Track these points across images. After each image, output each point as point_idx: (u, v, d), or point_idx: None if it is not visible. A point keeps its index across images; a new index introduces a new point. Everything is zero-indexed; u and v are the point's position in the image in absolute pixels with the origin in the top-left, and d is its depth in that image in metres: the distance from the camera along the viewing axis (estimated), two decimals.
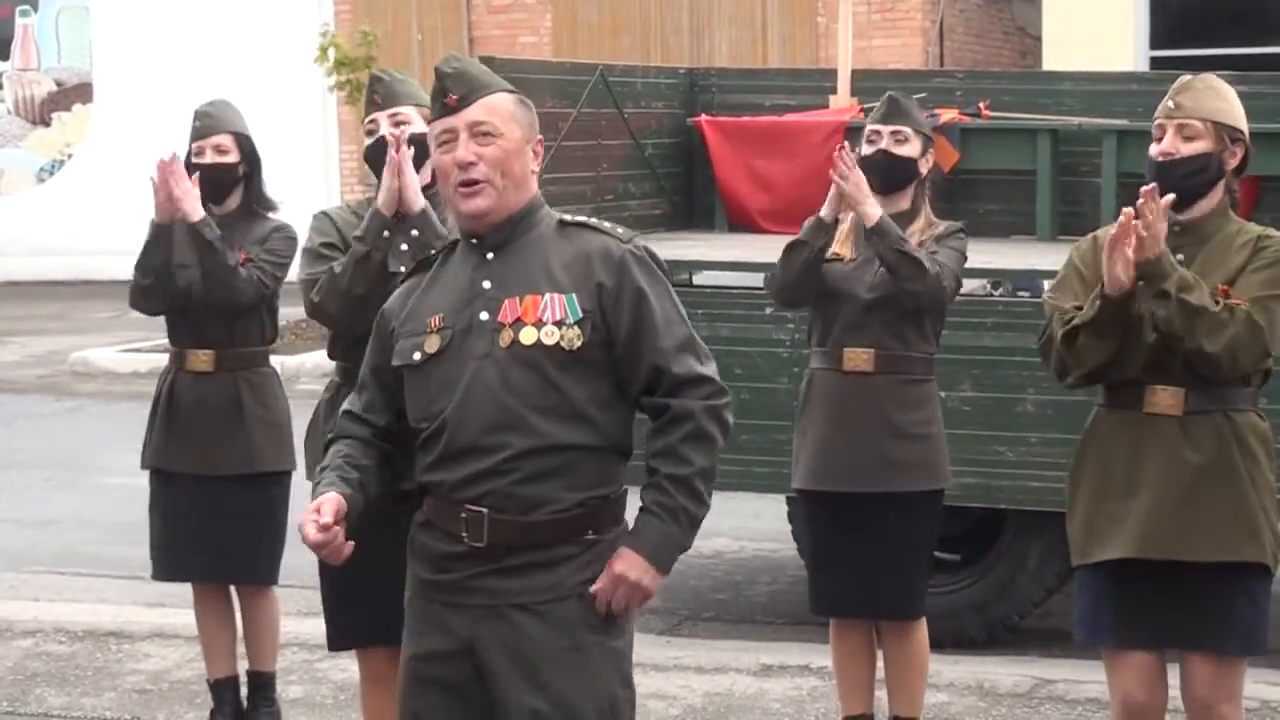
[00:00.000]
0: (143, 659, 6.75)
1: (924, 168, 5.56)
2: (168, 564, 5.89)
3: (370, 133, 4.95)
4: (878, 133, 5.53)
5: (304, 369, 14.34)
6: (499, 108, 3.66)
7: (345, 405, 3.84)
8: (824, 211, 5.43)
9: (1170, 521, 4.35)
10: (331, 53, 15.80)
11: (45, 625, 7.11)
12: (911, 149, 5.52)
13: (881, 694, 5.69)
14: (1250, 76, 8.22)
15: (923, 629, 5.59)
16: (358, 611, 4.94)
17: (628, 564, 3.58)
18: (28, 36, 23.03)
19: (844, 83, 8.50)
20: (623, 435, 3.66)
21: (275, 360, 14.55)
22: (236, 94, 23.86)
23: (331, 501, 3.62)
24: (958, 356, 6.55)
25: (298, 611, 7.57)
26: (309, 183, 20.55)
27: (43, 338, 17.12)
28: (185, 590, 8.11)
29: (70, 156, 22.83)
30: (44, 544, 9.05)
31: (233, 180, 5.85)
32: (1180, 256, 4.33)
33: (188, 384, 5.85)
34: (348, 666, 6.36)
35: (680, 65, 11.78)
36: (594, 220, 3.73)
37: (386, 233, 4.72)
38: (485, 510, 3.56)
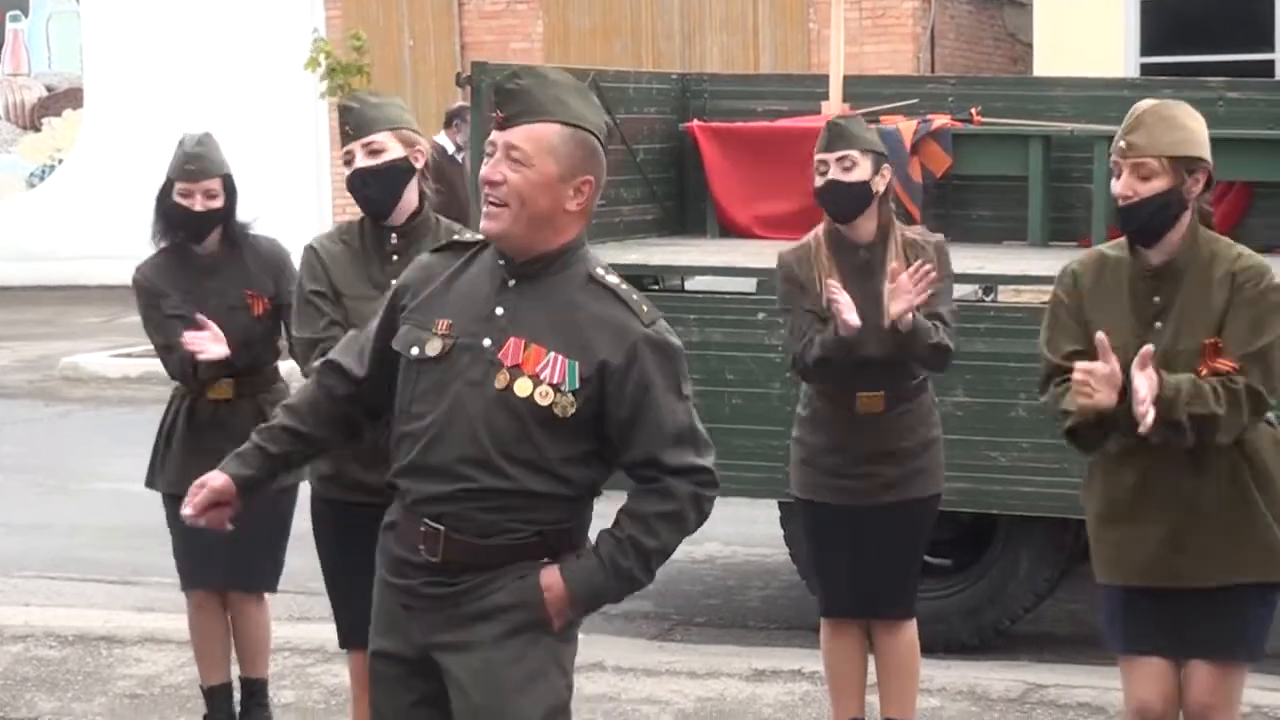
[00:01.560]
0: (134, 664, 6.75)
1: (879, 186, 5.44)
2: (193, 574, 5.89)
3: (347, 162, 4.90)
4: (825, 162, 5.44)
5: (296, 374, 14.31)
6: (541, 137, 3.55)
7: (331, 353, 3.84)
8: (842, 332, 5.27)
9: (1176, 551, 4.35)
10: (323, 59, 15.79)
11: (36, 630, 7.10)
12: (861, 172, 5.41)
13: (874, 698, 5.70)
14: (1240, 82, 8.25)
15: (913, 630, 5.60)
16: (354, 613, 4.95)
17: (551, 591, 3.57)
18: (18, 41, 23.02)
19: (836, 88, 8.51)
20: (594, 484, 3.67)
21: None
22: (227, 99, 23.93)
23: (216, 490, 3.75)
24: (951, 362, 6.54)
25: (290, 616, 7.57)
26: (300, 188, 20.59)
27: (33, 343, 17.09)
28: (176, 595, 8.13)
29: (61, 162, 22.81)
30: (35, 549, 9.04)
31: (216, 222, 5.87)
32: (1158, 299, 4.31)
33: (208, 411, 5.85)
34: (339, 671, 6.37)
35: (672, 70, 11.76)
36: (623, 288, 3.61)
37: None
38: (443, 529, 3.58)
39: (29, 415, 13.44)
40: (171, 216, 5.87)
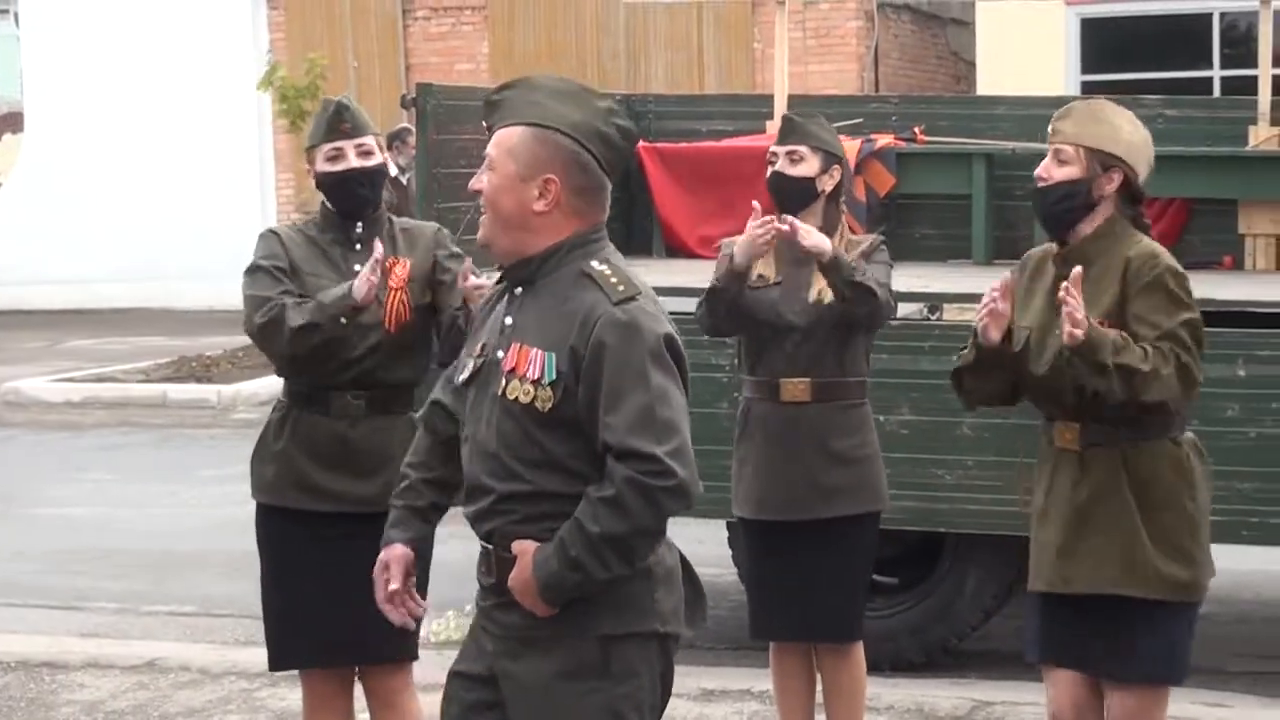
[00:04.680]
0: (78, 689, 6.69)
1: (826, 185, 5.47)
2: None
3: (333, 158, 4.91)
4: (775, 154, 5.51)
5: (240, 397, 14.28)
6: (503, 142, 3.57)
7: (434, 394, 3.86)
8: (738, 258, 5.34)
9: (1064, 556, 4.43)
10: (277, 81, 15.76)
11: None
12: (808, 168, 5.46)
13: (822, 718, 5.70)
14: (1178, 100, 8.33)
15: (859, 652, 5.60)
16: (300, 633, 4.95)
17: (520, 574, 3.53)
18: None
19: (781, 108, 8.54)
20: None
21: (211, 389, 14.46)
22: (170, 122, 23.78)
23: (399, 562, 3.75)
24: (896, 380, 6.58)
25: (235, 640, 7.54)
26: (244, 211, 20.48)
27: None
28: (121, 620, 8.09)
29: (0, 185, 22.67)
30: None
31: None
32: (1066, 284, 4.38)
33: None
34: (286, 695, 6.33)
35: (617, 91, 11.79)
36: (602, 271, 3.56)
37: (344, 320, 4.78)
38: (492, 547, 3.62)
39: None
40: None
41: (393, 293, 4.88)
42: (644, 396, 3.47)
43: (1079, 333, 4.16)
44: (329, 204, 4.98)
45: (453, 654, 7.11)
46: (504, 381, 3.56)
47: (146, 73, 21.11)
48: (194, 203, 20.66)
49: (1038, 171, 4.44)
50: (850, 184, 7.95)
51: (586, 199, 3.60)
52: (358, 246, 4.92)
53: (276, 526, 5.01)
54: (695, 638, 3.90)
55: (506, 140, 3.57)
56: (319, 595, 4.90)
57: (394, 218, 5.09)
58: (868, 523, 5.54)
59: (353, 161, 4.91)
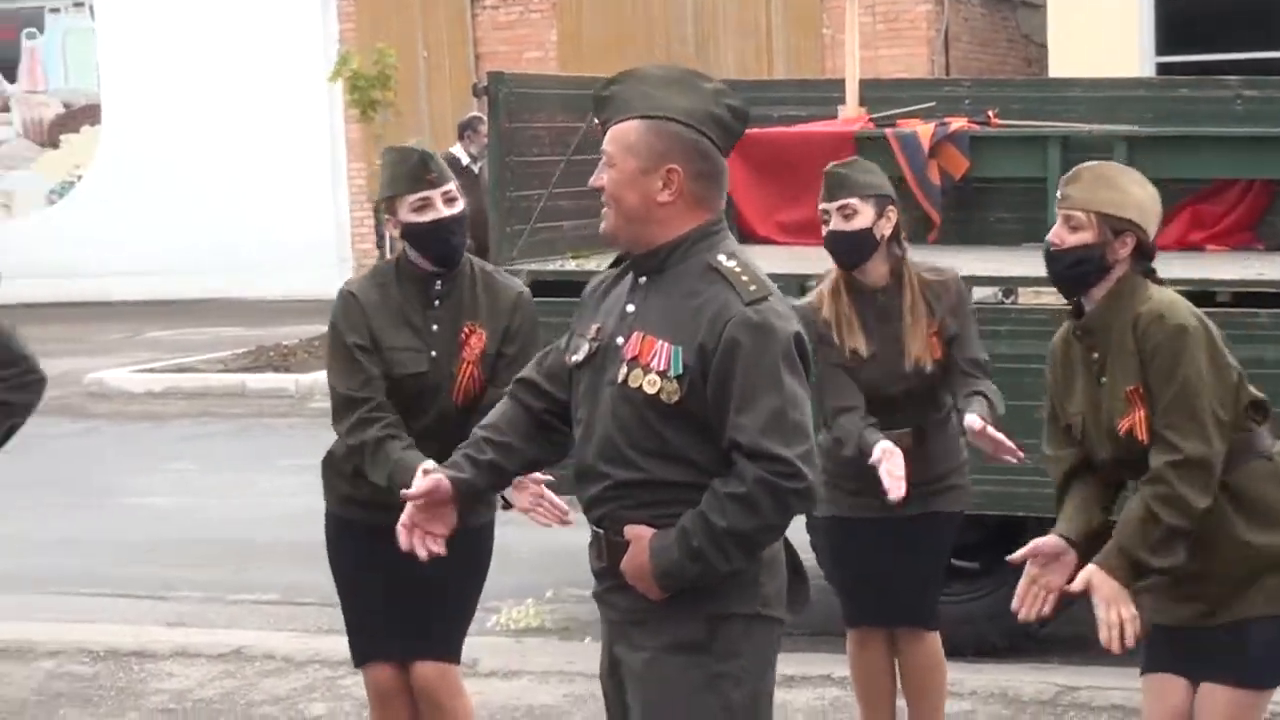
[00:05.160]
0: (165, 678, 6.75)
1: (884, 229, 5.36)
2: None
3: (419, 208, 4.80)
4: (827, 212, 5.38)
5: (318, 386, 14.35)
6: (620, 136, 3.59)
7: (525, 371, 3.87)
8: (890, 496, 5.12)
9: (1183, 601, 4.36)
10: (348, 71, 15.81)
11: (68, 646, 7.10)
12: (863, 219, 5.33)
13: (904, 704, 5.68)
14: (1258, 81, 8.22)
15: (936, 640, 5.57)
16: (362, 629, 5.01)
17: (634, 558, 3.57)
18: (35, 59, 23.08)
19: (852, 93, 8.50)
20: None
21: (289, 379, 14.54)
22: (243, 113, 23.97)
23: (430, 482, 3.76)
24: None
25: (318, 628, 7.58)
26: (316, 201, 20.61)
27: (57, 359, 17.08)
28: (206, 609, 8.15)
29: (80, 178, 22.86)
30: (64, 565, 9.05)
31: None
32: (1095, 355, 4.35)
33: None
34: None
35: None
36: (732, 268, 3.57)
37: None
38: (603, 532, 3.65)
39: (56, 432, 13.45)
40: None
41: (465, 365, 4.82)
42: (776, 399, 3.50)
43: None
44: (417, 254, 4.88)
45: (531, 641, 7.21)
46: (625, 369, 3.57)
47: (219, 64, 21.23)
48: (267, 193, 20.77)
49: (1049, 237, 4.43)
50: (924, 172, 7.92)
51: (707, 184, 3.63)
52: (436, 303, 4.85)
53: (334, 526, 5.05)
54: (794, 624, 3.90)
55: (623, 136, 3.59)
56: (370, 594, 4.94)
57: (476, 263, 4.97)
58: (952, 521, 5.52)
59: (441, 211, 4.82)
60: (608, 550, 3.64)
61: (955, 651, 5.77)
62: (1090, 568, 4.23)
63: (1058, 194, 4.43)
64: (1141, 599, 4.40)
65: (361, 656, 5.06)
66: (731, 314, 3.52)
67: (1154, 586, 4.37)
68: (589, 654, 7.03)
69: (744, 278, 3.56)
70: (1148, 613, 4.41)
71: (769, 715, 3.74)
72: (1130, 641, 4.21)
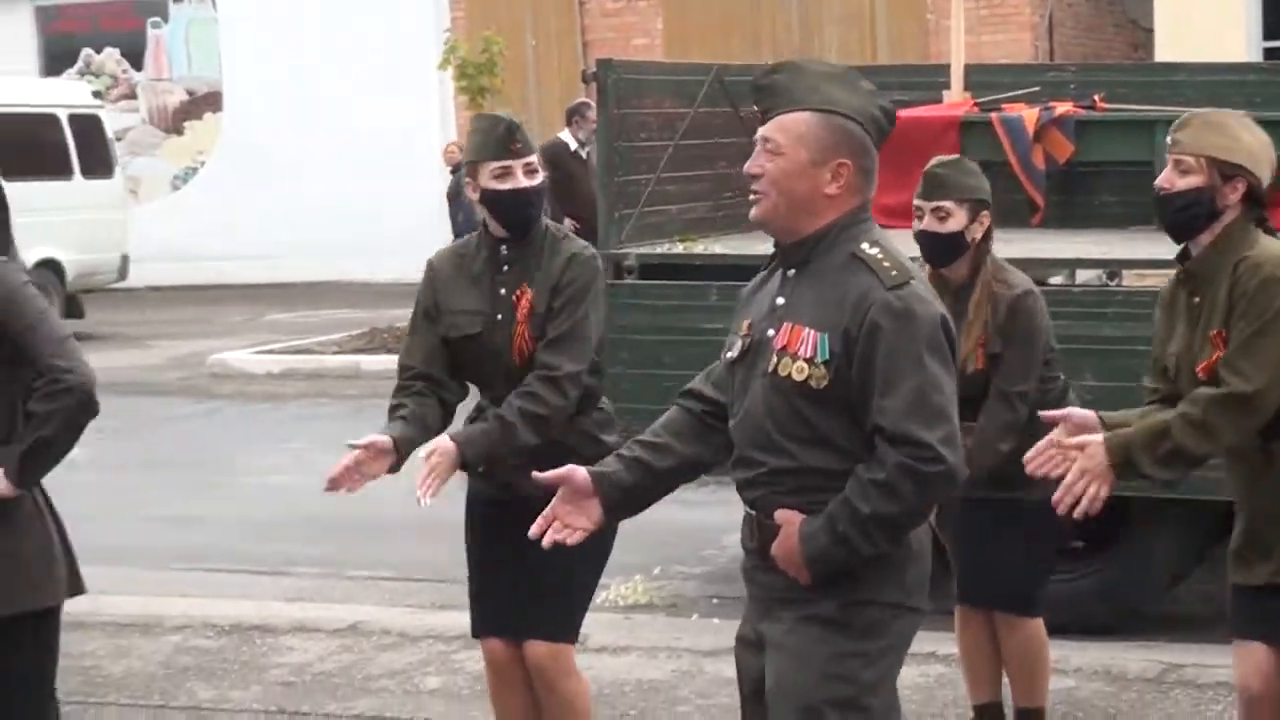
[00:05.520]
0: (286, 652, 6.79)
1: (975, 234, 5.29)
2: None
3: (500, 176, 4.80)
4: (920, 209, 5.32)
5: None
6: (790, 127, 3.59)
7: (693, 384, 3.90)
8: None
9: (1249, 549, 4.30)
10: (455, 59, 15.87)
11: (194, 620, 7.16)
12: (955, 222, 5.27)
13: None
14: None
15: (1034, 626, 5.48)
16: (481, 603, 5.01)
17: (785, 543, 3.57)
18: (160, 48, 23.37)
19: (957, 78, 8.41)
20: None
21: (387, 359, 14.52)
22: (356, 99, 24.07)
23: (565, 479, 3.74)
24: (1078, 346, 6.43)
25: (431, 604, 7.61)
26: (428, 185, 20.70)
27: (181, 341, 17.34)
28: (324, 585, 8.20)
29: (202, 164, 23.12)
30: (189, 541, 9.14)
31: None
32: (1197, 300, 4.29)
33: None
34: (481, 658, 6.37)
35: None
36: (874, 255, 3.57)
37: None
38: (756, 514, 3.67)
39: (180, 412, 13.64)
40: None
41: (517, 326, 4.80)
42: (918, 382, 3.49)
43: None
44: (493, 220, 4.88)
45: (639, 617, 7.20)
46: (775, 359, 3.58)
47: (335, 52, 21.40)
48: (380, 178, 20.91)
49: (1158, 181, 4.36)
50: (1029, 157, 7.81)
51: (867, 180, 3.64)
52: (505, 268, 4.84)
53: (468, 497, 5.07)
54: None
55: (794, 126, 3.59)
56: (484, 568, 4.96)
57: (552, 227, 4.93)
58: (1036, 509, 5.37)
59: (521, 181, 4.81)
60: (759, 532, 3.67)
61: (1060, 630, 5.70)
62: (1095, 437, 4.14)
63: (1168, 139, 4.37)
64: (1225, 562, 4.36)
65: (477, 629, 5.07)
66: (874, 299, 3.51)
67: (1232, 547, 4.32)
68: (696, 630, 7.02)
69: (885, 263, 3.56)
70: (1228, 574, 4.37)
71: (895, 700, 3.72)
72: (1078, 513, 4.12)
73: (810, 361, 3.54)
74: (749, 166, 3.64)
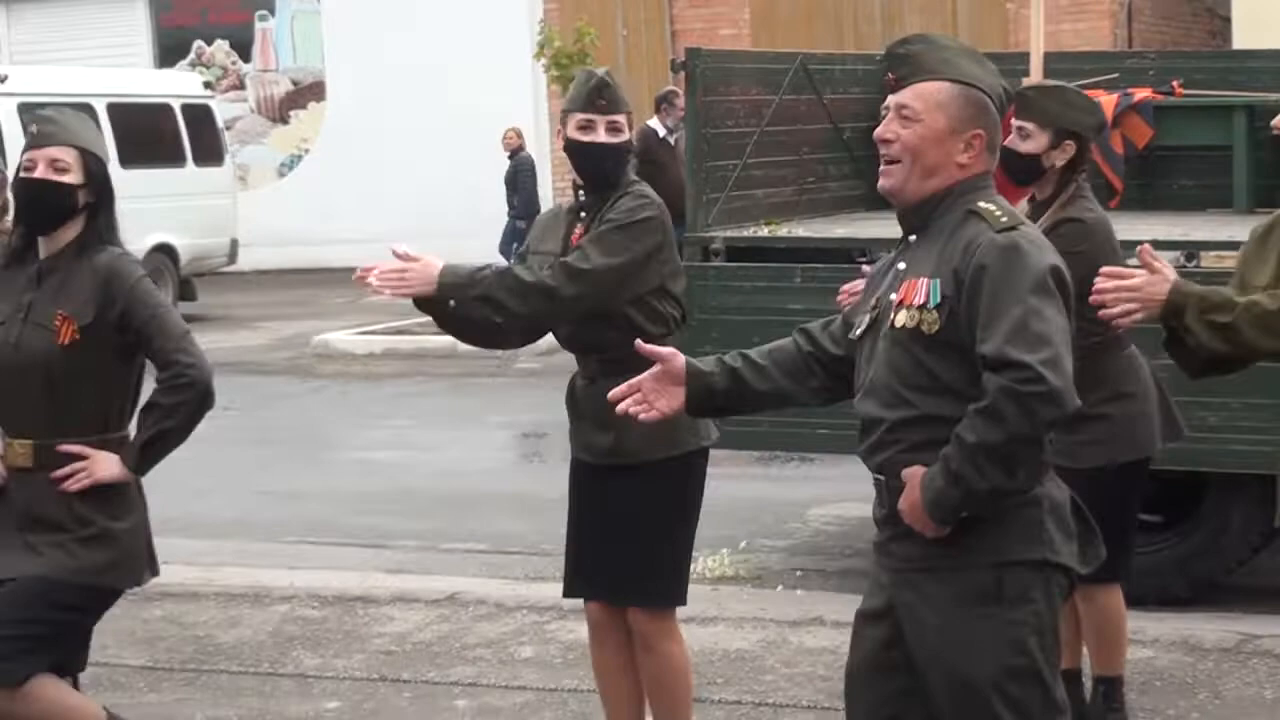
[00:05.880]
0: (387, 622, 6.86)
1: (1055, 159, 5.22)
2: None
3: (583, 128, 4.87)
4: (1011, 127, 5.25)
5: (524, 349, 14.48)
6: (928, 95, 3.56)
7: (811, 324, 3.88)
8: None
9: None
10: (550, 50, 15.91)
11: (300, 591, 7.24)
12: (1034, 144, 5.21)
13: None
14: None
15: (1109, 595, 5.40)
16: (576, 567, 4.99)
17: (909, 495, 3.50)
18: (266, 40, 23.56)
19: (1037, 65, 8.33)
20: None
21: None
22: (453, 88, 24.16)
23: (668, 351, 3.76)
24: (1156, 325, 6.37)
25: (525, 576, 7.66)
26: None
27: (287, 322, 17.51)
28: (423, 557, 8.28)
29: (307, 152, 23.31)
30: (295, 515, 9.24)
31: (72, 207, 4.47)
32: None
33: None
34: (574, 628, 6.42)
35: (874, 52, 11.64)
36: (988, 208, 3.54)
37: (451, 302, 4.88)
38: (884, 478, 3.59)
39: (287, 390, 13.78)
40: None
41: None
42: (1019, 310, 3.41)
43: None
44: (574, 169, 4.96)
45: (726, 589, 7.22)
46: (893, 315, 3.55)
47: (433, 44, 21.49)
48: (476, 166, 20.99)
49: (1275, 121, 4.25)
50: (1107, 141, 7.73)
51: (993, 154, 3.63)
52: (582, 214, 4.90)
53: (573, 475, 5.07)
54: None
55: (933, 94, 3.57)
56: (580, 533, 4.96)
57: (636, 188, 4.88)
58: (1117, 472, 5.28)
59: (600, 136, 4.85)
60: (887, 494, 3.56)
61: (1138, 601, 5.65)
62: (1170, 273, 3.91)
63: None
64: None
65: (579, 590, 5.02)
66: (981, 240, 3.48)
67: None
68: (780, 602, 7.02)
69: (997, 212, 3.53)
70: None
71: (1058, 660, 3.62)
72: (1105, 314, 3.87)
73: (923, 308, 3.49)
74: (881, 132, 3.60)
